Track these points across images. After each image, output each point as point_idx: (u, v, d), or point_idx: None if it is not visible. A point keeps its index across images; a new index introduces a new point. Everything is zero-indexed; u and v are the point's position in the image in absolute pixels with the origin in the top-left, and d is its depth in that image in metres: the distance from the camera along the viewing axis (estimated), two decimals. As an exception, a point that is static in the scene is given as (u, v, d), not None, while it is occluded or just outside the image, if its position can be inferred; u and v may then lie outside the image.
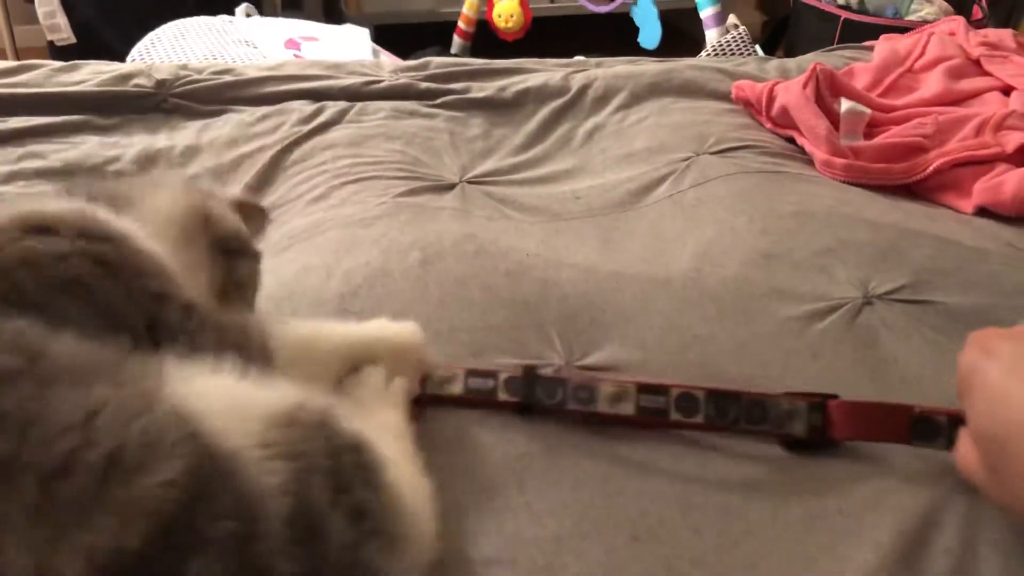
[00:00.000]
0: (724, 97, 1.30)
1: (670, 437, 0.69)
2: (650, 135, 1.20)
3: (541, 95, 1.27)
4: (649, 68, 1.33)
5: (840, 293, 0.88)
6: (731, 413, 0.68)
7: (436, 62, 1.34)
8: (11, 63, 1.21)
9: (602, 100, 1.27)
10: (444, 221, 0.99)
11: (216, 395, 0.43)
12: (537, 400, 0.68)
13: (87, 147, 1.09)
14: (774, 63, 1.41)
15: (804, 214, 1.01)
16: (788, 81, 1.25)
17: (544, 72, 1.32)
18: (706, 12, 2.24)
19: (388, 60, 1.38)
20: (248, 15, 2.24)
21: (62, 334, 0.43)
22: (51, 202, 0.53)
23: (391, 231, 0.96)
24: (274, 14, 2.40)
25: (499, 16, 2.72)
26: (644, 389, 0.68)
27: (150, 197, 0.67)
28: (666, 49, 2.50)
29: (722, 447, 0.69)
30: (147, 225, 0.61)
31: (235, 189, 1.05)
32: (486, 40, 2.85)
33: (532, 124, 1.23)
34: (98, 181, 0.79)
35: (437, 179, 1.09)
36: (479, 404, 0.69)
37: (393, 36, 2.65)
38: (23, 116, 1.12)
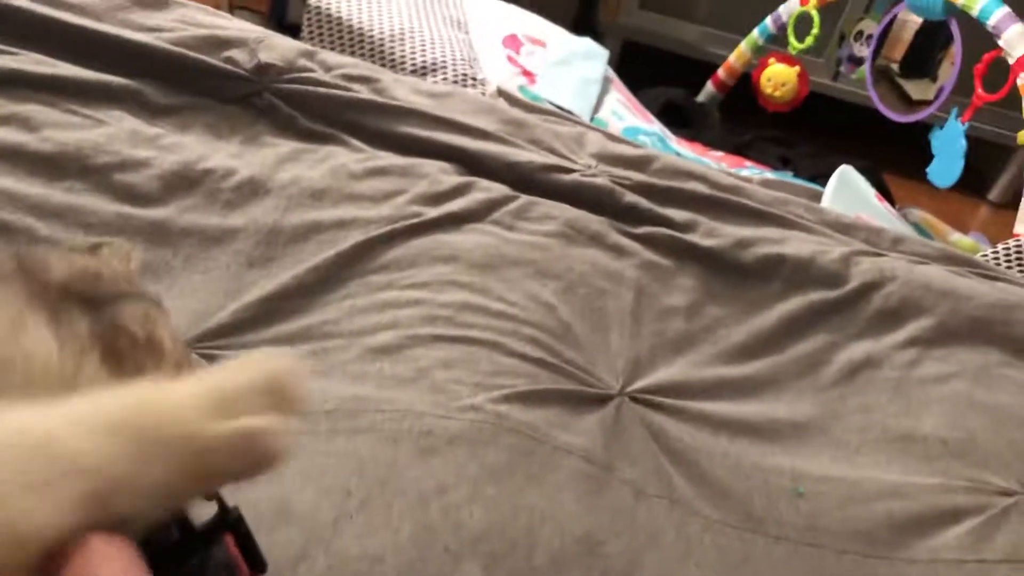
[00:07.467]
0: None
1: None
2: (952, 415, 0.71)
3: (799, 274, 0.80)
4: (979, 289, 0.83)
5: None
6: None
7: (663, 161, 0.89)
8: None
9: (892, 317, 0.79)
10: (556, 491, 0.56)
11: None
12: None
13: (109, 133, 0.71)
14: None
15: None
16: None
17: (814, 239, 0.85)
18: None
19: (598, 134, 0.93)
20: (479, -11, 1.84)
21: None
22: None
23: (459, 487, 0.53)
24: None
25: (768, 80, 2.23)
26: None
27: None
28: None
29: None
30: None
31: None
32: (743, 98, 2.37)
33: (771, 317, 0.77)
34: None
35: (584, 381, 0.65)
36: None
37: (641, 57, 2.24)
38: (53, 57, 0.76)
